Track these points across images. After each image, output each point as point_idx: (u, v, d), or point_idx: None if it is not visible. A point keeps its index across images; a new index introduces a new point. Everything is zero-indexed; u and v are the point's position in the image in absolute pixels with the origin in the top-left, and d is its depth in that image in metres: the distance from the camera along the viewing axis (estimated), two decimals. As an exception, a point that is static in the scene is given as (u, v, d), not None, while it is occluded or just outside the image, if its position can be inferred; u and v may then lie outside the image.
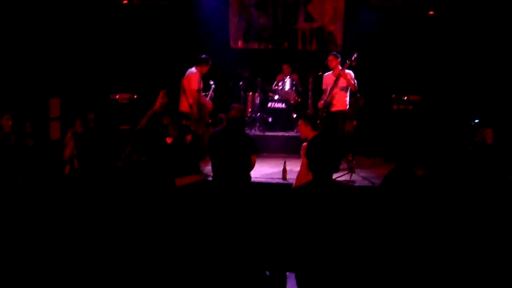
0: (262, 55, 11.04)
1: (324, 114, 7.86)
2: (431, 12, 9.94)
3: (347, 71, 7.70)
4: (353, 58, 7.65)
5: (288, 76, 9.88)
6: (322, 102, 7.99)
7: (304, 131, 5.49)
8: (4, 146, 6.10)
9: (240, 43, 11.14)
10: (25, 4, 8.75)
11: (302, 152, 5.41)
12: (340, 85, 7.74)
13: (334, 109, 7.81)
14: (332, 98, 7.79)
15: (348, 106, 7.87)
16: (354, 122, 8.40)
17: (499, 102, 8.99)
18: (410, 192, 3.02)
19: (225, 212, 5.18)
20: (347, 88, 7.77)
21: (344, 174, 6.98)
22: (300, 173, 5.43)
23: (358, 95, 8.53)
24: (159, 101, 7.04)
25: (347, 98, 7.85)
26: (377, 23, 10.32)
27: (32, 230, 2.79)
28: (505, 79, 9.11)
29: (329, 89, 7.85)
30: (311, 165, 2.85)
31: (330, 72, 7.93)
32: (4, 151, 5.32)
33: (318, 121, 8.63)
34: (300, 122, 5.58)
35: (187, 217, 5.10)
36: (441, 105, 9.47)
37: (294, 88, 9.70)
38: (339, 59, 7.78)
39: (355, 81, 7.74)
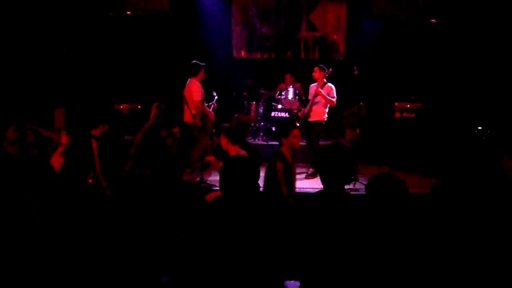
0: (265, 64, 11.10)
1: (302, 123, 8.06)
2: (432, 20, 9.99)
3: (328, 84, 7.88)
4: (326, 73, 7.82)
5: (291, 85, 9.92)
6: (301, 112, 8.22)
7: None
8: (9, 158, 6.11)
9: (243, 53, 11.21)
10: (30, 15, 8.84)
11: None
12: (318, 99, 7.91)
13: (310, 119, 7.99)
14: (310, 110, 7.98)
15: (325, 118, 7.99)
16: (357, 131, 8.42)
17: (501, 108, 9.00)
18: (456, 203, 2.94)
19: (232, 223, 5.18)
20: (326, 102, 7.89)
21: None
22: None
23: (361, 103, 8.57)
24: (152, 114, 7.05)
25: (326, 110, 7.98)
26: (379, 32, 10.38)
27: (41, 246, 2.82)
28: (507, 85, 9.13)
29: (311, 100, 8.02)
30: (322, 176, 2.84)
31: (316, 83, 8.03)
32: (10, 163, 5.33)
33: (298, 125, 8.74)
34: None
35: (194, 229, 5.10)
36: (444, 112, 9.49)
37: (297, 97, 9.74)
38: (324, 72, 7.86)
39: (335, 95, 7.85)
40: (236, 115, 6.67)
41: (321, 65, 7.99)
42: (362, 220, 2.73)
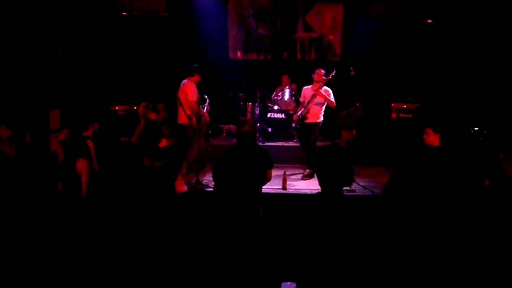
0: (261, 65, 11.07)
1: (299, 125, 8.09)
2: (429, 21, 9.98)
3: (325, 87, 7.82)
4: (330, 75, 7.70)
5: (287, 86, 9.89)
6: (297, 115, 8.12)
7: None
8: (3, 158, 6.09)
9: (239, 54, 11.19)
10: (25, 16, 8.80)
11: None
12: (316, 101, 7.86)
13: (307, 121, 7.96)
14: (307, 112, 7.93)
15: (322, 119, 7.96)
16: (354, 132, 8.40)
17: (498, 108, 8.99)
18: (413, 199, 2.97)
19: (236, 226, 5.10)
20: (323, 103, 7.87)
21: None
22: None
23: (357, 104, 8.55)
24: (140, 113, 6.95)
25: (322, 112, 7.95)
26: (375, 33, 10.36)
27: (30, 247, 2.78)
28: (503, 85, 9.12)
29: (306, 102, 7.96)
30: (320, 178, 2.82)
31: (310, 86, 8.00)
32: (4, 165, 5.30)
33: (293, 127, 8.62)
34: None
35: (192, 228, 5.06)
36: (440, 113, 9.47)
37: (293, 98, 9.71)
38: (325, 77, 7.81)
39: (333, 98, 7.81)
40: (243, 118, 6.55)
41: (323, 70, 7.91)
42: (359, 222, 2.72)
